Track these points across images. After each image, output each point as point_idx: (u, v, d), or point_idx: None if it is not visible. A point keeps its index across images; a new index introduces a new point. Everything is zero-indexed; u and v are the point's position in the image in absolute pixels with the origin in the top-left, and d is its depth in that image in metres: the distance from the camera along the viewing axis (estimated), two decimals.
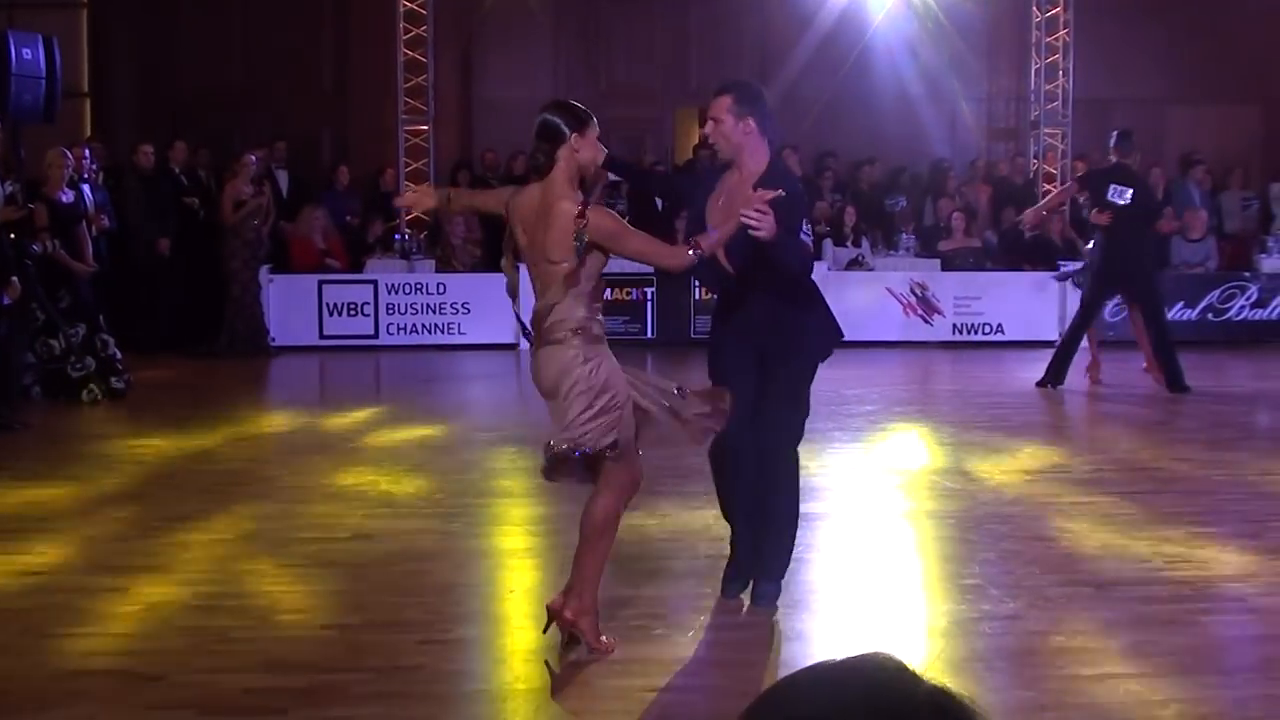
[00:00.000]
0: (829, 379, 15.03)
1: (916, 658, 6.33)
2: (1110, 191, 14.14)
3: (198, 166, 18.96)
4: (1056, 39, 21.11)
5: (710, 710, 5.77)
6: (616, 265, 7.05)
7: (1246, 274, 19.08)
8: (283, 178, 19.75)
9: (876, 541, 8.49)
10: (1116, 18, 21.50)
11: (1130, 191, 14.10)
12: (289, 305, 18.00)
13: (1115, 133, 14.61)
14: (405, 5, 20.45)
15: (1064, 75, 21.14)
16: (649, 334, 18.12)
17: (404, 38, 20.41)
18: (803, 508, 9.01)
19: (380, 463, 10.89)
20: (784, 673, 5.25)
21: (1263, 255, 19.58)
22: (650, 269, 17.52)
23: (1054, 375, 14.54)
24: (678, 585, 7.36)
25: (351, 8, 21.64)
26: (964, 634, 6.68)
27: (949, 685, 1.60)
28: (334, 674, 6.08)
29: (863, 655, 1.65)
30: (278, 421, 13.35)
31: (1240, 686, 6.12)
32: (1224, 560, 8.06)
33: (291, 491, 9.86)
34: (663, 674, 6.17)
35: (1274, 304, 18.67)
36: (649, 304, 18.22)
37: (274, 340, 17.58)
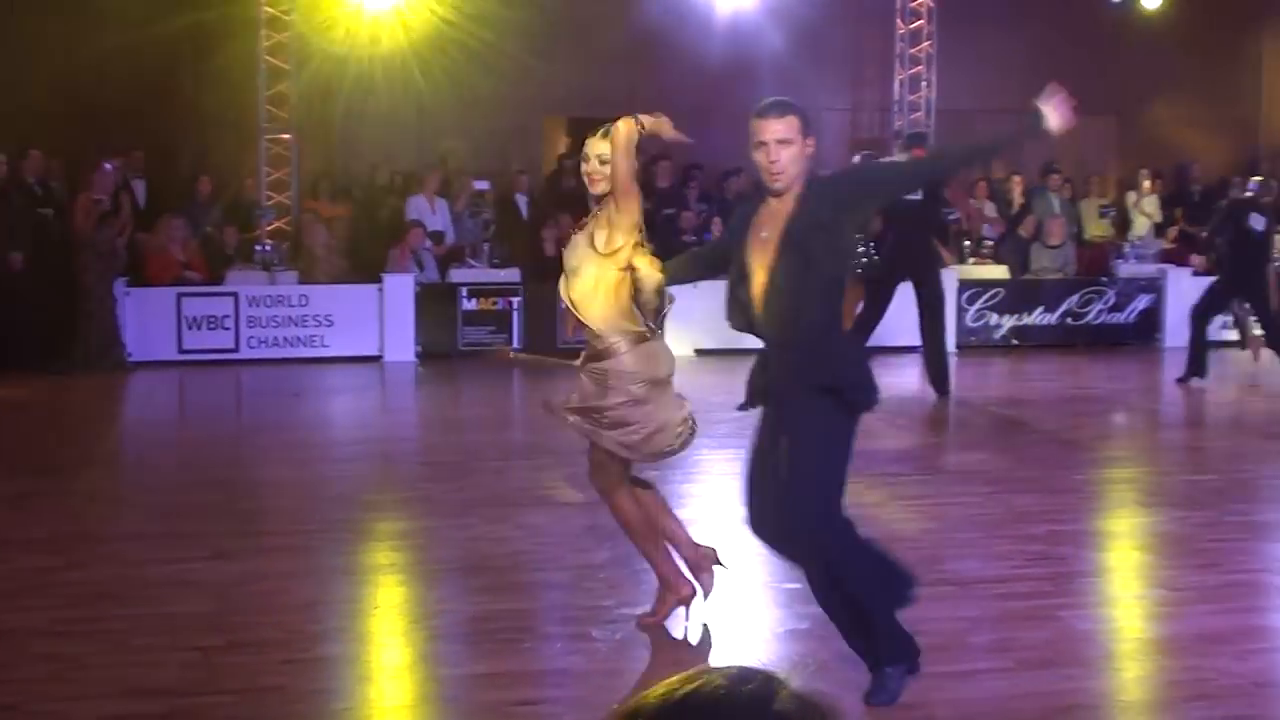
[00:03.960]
0: (696, 386, 15.14)
1: (777, 662, 6.39)
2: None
3: (50, 177, 18.53)
4: (920, 51, 21.33)
5: None
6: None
7: (1104, 279, 19.43)
8: (140, 188, 19.39)
9: (738, 547, 8.48)
10: (978, 30, 21.74)
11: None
12: (146, 319, 17.62)
13: (905, 134, 14.83)
14: (267, 11, 20.20)
15: (927, 86, 21.37)
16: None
17: (266, 44, 20.16)
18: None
19: (239, 479, 10.73)
20: (650, 682, 5.21)
21: (1120, 261, 19.96)
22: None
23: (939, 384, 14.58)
24: (545, 597, 7.33)
25: (210, 13, 21.33)
26: (827, 635, 6.68)
27: (811, 693, 1.57)
28: (194, 697, 5.96)
29: (715, 671, 1.64)
30: (132, 438, 13.13)
31: (1097, 677, 6.25)
32: (1082, 557, 8.22)
33: (148, 510, 9.68)
34: (530, 686, 6.14)
35: (1130, 308, 19.06)
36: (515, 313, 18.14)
37: (130, 355, 17.21)
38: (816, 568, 6.01)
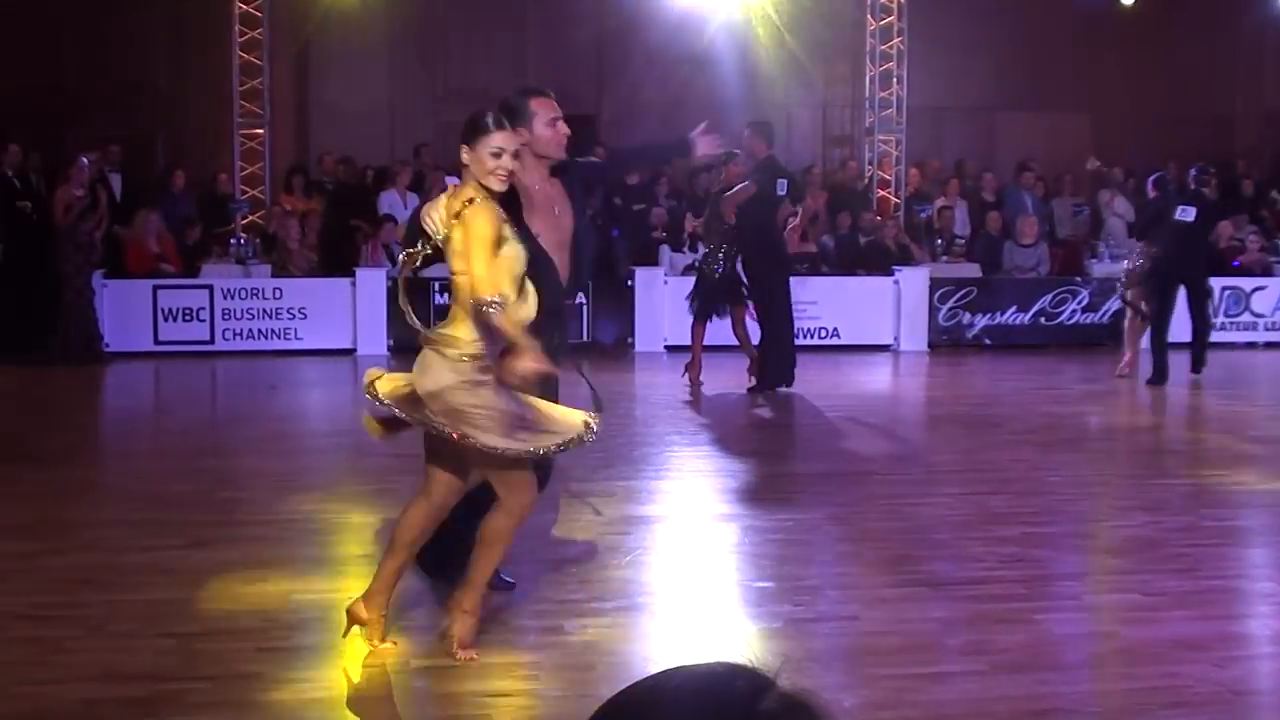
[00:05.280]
0: (666, 383, 15.20)
1: (753, 659, 6.36)
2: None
3: (29, 170, 18.59)
4: (891, 47, 21.37)
5: (549, 714, 5.78)
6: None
7: (1078, 279, 19.46)
8: (116, 181, 19.42)
9: (713, 545, 8.54)
10: (950, 27, 21.83)
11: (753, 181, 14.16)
12: (123, 310, 17.69)
13: (750, 124, 14.75)
14: (240, 7, 20.20)
15: (898, 83, 21.42)
16: None
17: (240, 40, 20.17)
18: (639, 510, 9.10)
19: (217, 469, 10.76)
20: (623, 676, 5.23)
21: (1093, 260, 20.01)
22: None
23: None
24: (518, 590, 7.34)
25: (185, 9, 21.32)
26: (801, 635, 6.75)
27: (800, 693, 1.58)
28: (172, 683, 6.00)
29: (694, 669, 1.63)
30: (112, 428, 13.13)
31: (1073, 682, 6.24)
32: (1057, 559, 8.23)
33: (128, 499, 9.71)
34: (501, 678, 6.16)
35: (1104, 308, 19.02)
36: None
37: (107, 346, 17.26)
38: None
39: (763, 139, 14.26)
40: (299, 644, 6.56)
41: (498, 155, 6.01)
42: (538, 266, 6.31)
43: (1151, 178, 16.62)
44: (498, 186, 6.03)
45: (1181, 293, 15.56)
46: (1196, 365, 15.83)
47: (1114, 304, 18.80)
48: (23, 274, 17.39)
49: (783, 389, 14.35)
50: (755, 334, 14.50)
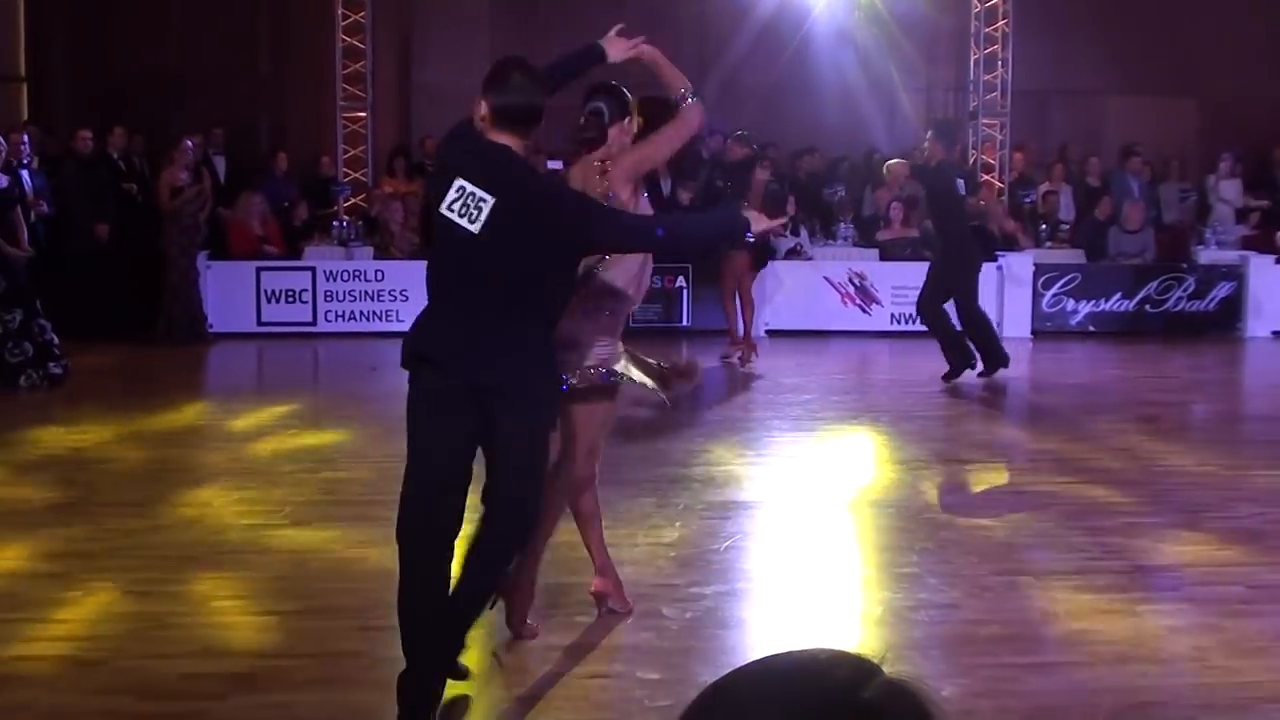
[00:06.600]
0: (767, 368, 15.15)
1: (855, 646, 6.38)
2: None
3: (133, 153, 18.82)
4: (995, 29, 21.15)
5: (649, 696, 5.77)
6: None
7: (1184, 265, 19.18)
8: (220, 164, 19.62)
9: (813, 530, 8.51)
10: (1055, 9, 21.60)
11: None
12: (226, 292, 17.87)
13: (933, 126, 14.89)
14: None
15: (1003, 66, 21.19)
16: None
17: (342, 24, 20.28)
18: (740, 496, 9.08)
19: (319, 449, 10.84)
20: (721, 660, 5.22)
21: (1200, 247, 19.71)
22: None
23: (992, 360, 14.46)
24: (618, 572, 7.36)
25: None
26: (900, 622, 6.72)
27: (905, 681, 1.55)
28: (272, 660, 6.06)
29: (803, 653, 1.60)
30: (216, 408, 13.25)
31: (1174, 675, 6.17)
32: (1159, 550, 8.13)
33: (229, 478, 9.81)
34: (602, 661, 6.18)
35: (1211, 295, 18.74)
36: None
37: (211, 327, 17.45)
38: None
39: (941, 142, 14.34)
40: (396, 624, 6.59)
41: None
42: None
43: None
44: None
45: None
46: None
47: (1220, 291, 18.57)
48: (128, 256, 17.62)
49: (1001, 370, 14.38)
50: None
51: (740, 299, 15.69)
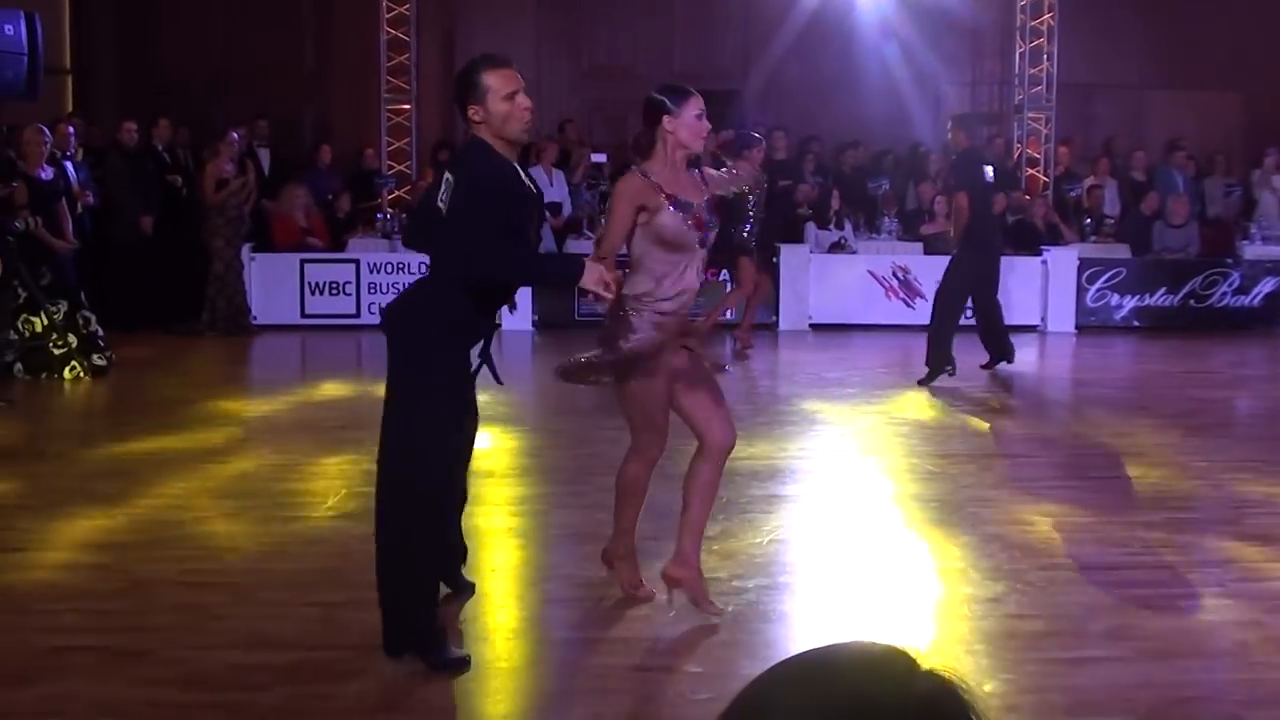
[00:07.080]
0: (810, 361, 15.16)
1: (898, 640, 6.31)
2: None
3: (178, 145, 18.91)
4: (1041, 23, 21.09)
5: (690, 689, 5.78)
6: None
7: (1229, 260, 19.08)
8: (264, 156, 19.70)
9: (857, 523, 8.51)
10: (1100, 3, 21.53)
11: None
12: (271, 284, 17.97)
13: (953, 117, 15.01)
14: None
15: (1048, 60, 21.12)
16: None
17: (387, 16, 20.34)
18: (782, 489, 9.09)
19: (363, 441, 10.87)
20: (764, 654, 5.22)
21: (1245, 242, 19.60)
22: None
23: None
24: (659, 566, 7.37)
25: None
26: (944, 617, 6.71)
27: (950, 676, 1.55)
28: (317, 651, 6.09)
29: (851, 646, 1.60)
30: (260, 400, 13.31)
31: (1217, 670, 6.15)
32: (1202, 546, 8.11)
33: (275, 469, 9.87)
34: (644, 653, 6.19)
35: (1256, 291, 18.66)
36: None
37: (255, 319, 17.56)
38: None
39: (964, 130, 14.35)
40: (442, 614, 6.62)
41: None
42: None
43: None
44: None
45: None
46: None
47: (1266, 286, 18.49)
48: (173, 247, 17.72)
49: (1004, 365, 14.40)
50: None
51: (745, 295, 16.00)
